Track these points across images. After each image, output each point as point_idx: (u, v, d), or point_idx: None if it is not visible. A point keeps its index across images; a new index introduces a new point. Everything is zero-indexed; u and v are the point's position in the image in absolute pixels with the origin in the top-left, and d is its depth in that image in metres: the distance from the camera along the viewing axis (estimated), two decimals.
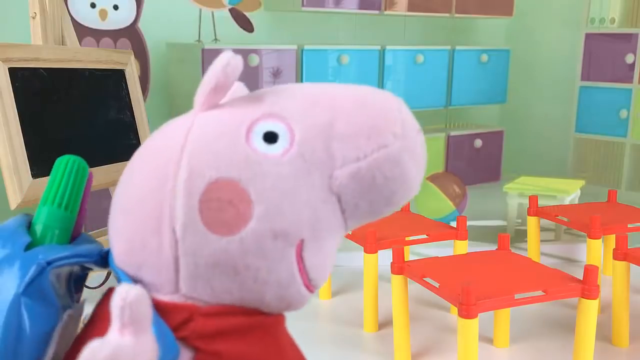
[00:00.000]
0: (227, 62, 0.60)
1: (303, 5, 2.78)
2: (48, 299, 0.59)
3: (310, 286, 0.60)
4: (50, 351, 0.58)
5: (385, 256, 1.79)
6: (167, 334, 0.55)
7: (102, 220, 2.13)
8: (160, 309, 0.57)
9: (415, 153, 0.61)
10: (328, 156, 0.59)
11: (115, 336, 0.49)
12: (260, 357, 0.58)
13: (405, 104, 0.64)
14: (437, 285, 1.40)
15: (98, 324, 0.61)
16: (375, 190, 0.59)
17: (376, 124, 0.60)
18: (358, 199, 0.59)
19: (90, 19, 2.45)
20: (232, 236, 0.56)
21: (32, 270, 0.59)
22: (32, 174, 1.60)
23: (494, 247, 1.73)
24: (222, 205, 0.56)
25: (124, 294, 0.49)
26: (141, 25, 2.57)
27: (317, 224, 0.58)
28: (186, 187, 0.56)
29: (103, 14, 2.47)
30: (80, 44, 2.06)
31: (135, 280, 0.61)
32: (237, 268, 0.56)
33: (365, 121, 0.60)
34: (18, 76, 1.61)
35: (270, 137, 0.58)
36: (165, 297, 0.58)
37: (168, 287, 0.58)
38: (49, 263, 0.60)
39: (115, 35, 2.51)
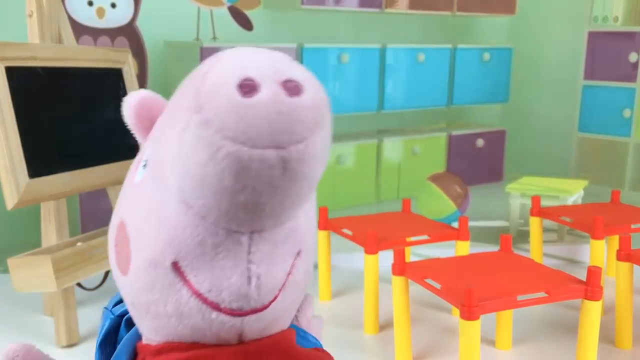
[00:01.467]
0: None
1: (303, 3, 2.76)
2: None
3: (225, 310, 0.54)
4: None
5: (386, 257, 1.77)
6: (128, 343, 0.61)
7: (101, 220, 2.12)
8: (137, 350, 0.62)
9: (223, 121, 0.47)
10: (161, 164, 0.53)
11: None
12: None
13: (226, 65, 0.50)
14: (438, 286, 1.39)
15: None
16: (204, 184, 0.49)
17: (177, 103, 0.51)
18: (200, 199, 0.50)
19: (88, 17, 2.43)
20: (128, 274, 0.57)
21: (107, 324, 0.67)
22: (29, 174, 1.58)
23: (496, 248, 1.71)
24: (119, 247, 0.58)
25: (9, 352, 0.60)
26: (139, 23, 2.55)
27: (181, 241, 0.52)
28: (109, 234, 0.61)
29: (100, 12, 2.46)
30: (77, 42, 2.05)
31: None
32: (143, 306, 0.57)
33: (173, 104, 0.53)
34: (15, 75, 1.60)
35: (145, 164, 0.57)
36: (143, 340, 0.62)
37: (140, 331, 0.62)
38: (120, 315, 0.67)
39: (112, 33, 2.50)
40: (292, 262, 0.56)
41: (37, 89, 1.69)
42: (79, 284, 1.66)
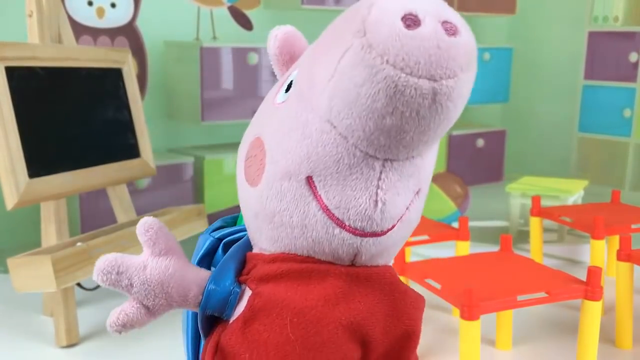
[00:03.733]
0: (274, 36, 0.67)
1: (303, 3, 2.76)
2: None
3: (347, 227, 0.57)
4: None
5: None
6: (229, 273, 0.64)
7: (101, 220, 2.12)
8: (247, 259, 0.66)
9: (386, 47, 0.50)
10: (312, 86, 0.56)
11: (145, 255, 0.64)
12: (290, 300, 0.60)
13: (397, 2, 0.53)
14: (438, 286, 1.39)
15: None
16: (355, 104, 0.52)
17: (337, 31, 0.55)
18: (348, 119, 0.53)
19: (88, 17, 2.43)
20: (258, 185, 0.61)
21: (206, 245, 0.71)
22: (28, 174, 1.58)
23: (496, 248, 1.71)
24: (251, 160, 0.62)
25: (145, 224, 0.65)
26: (139, 23, 2.55)
27: (319, 157, 0.56)
28: (240, 151, 0.66)
29: (100, 12, 2.46)
30: (77, 42, 2.05)
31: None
32: (268, 215, 0.61)
33: (330, 33, 0.56)
34: (14, 75, 1.60)
35: (289, 87, 0.61)
36: (254, 250, 0.67)
37: (253, 241, 0.67)
38: (219, 239, 0.71)
39: (112, 33, 2.50)
40: (411, 198, 0.60)
41: (37, 89, 1.69)
42: (78, 284, 1.66)
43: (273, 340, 0.59)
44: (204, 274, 0.65)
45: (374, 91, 0.51)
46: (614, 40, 3.22)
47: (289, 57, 0.67)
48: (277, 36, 0.67)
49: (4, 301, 1.90)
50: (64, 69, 1.76)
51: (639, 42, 3.14)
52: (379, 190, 0.56)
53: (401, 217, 0.59)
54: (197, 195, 2.54)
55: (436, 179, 2.63)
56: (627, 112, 3.18)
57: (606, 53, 3.25)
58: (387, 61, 0.50)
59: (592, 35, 3.28)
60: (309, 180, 0.57)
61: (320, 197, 0.57)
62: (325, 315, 0.59)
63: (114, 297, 1.93)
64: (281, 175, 0.58)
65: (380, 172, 0.56)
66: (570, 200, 2.51)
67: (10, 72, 1.59)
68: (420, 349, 1.70)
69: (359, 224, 0.57)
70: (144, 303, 0.63)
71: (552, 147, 3.67)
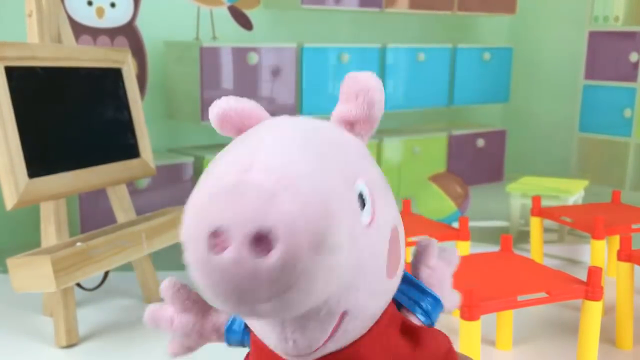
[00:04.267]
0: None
1: (303, 3, 2.76)
2: None
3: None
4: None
5: None
6: (239, 324, 0.69)
7: (101, 220, 2.12)
8: None
9: (197, 274, 0.47)
10: None
11: (171, 311, 0.69)
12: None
13: None
14: None
15: None
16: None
17: None
18: None
19: (87, 17, 2.43)
20: None
21: None
22: (28, 175, 1.58)
23: (496, 248, 1.71)
24: None
25: (167, 284, 0.69)
26: (139, 23, 2.55)
27: None
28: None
29: (100, 12, 2.45)
30: (76, 42, 2.05)
31: None
32: None
33: None
34: (14, 75, 1.60)
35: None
36: None
37: None
38: None
39: (112, 33, 2.49)
40: (335, 323, 0.55)
41: (36, 88, 1.68)
42: (78, 284, 1.66)
43: None
44: (223, 319, 0.70)
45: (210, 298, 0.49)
46: (614, 40, 3.22)
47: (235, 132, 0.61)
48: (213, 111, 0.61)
49: (3, 301, 1.89)
50: (63, 68, 1.76)
51: (639, 42, 3.14)
52: (286, 332, 0.54)
53: (330, 336, 0.55)
54: None
55: (436, 178, 2.62)
56: (627, 112, 3.18)
57: (606, 53, 3.25)
58: (202, 287, 0.47)
59: (593, 35, 3.28)
60: None
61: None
62: None
63: (114, 297, 1.93)
64: None
65: (282, 321, 0.54)
66: (570, 201, 2.51)
67: (10, 72, 1.59)
68: None
69: (282, 353, 0.57)
70: (183, 344, 0.72)
71: (552, 147, 3.67)
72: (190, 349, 0.72)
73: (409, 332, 0.64)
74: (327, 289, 0.49)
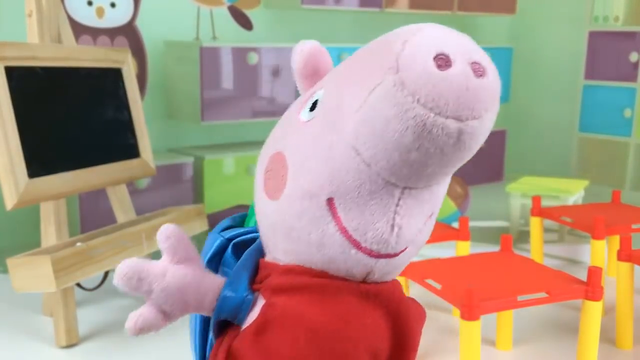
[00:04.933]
0: (300, 50, 0.68)
1: (303, 3, 2.76)
2: (231, 272, 0.68)
3: (363, 248, 0.60)
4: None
5: None
6: (242, 281, 0.66)
7: (101, 220, 2.12)
8: (260, 266, 0.68)
9: (417, 86, 0.52)
10: (340, 112, 0.58)
11: (165, 262, 0.64)
12: (304, 314, 0.61)
13: (432, 35, 0.55)
14: (439, 286, 1.38)
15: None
16: (383, 137, 0.54)
17: (368, 61, 0.57)
18: (373, 149, 0.55)
19: (87, 17, 2.43)
20: (278, 199, 0.63)
21: (215, 245, 0.72)
22: (28, 174, 1.58)
23: (496, 248, 1.71)
24: (272, 173, 0.64)
25: (166, 230, 0.65)
26: (139, 23, 2.55)
27: (342, 181, 0.58)
28: (260, 162, 0.67)
29: (100, 12, 2.45)
30: (76, 42, 2.04)
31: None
32: (285, 229, 0.63)
33: (361, 65, 0.58)
34: (14, 75, 1.60)
35: (314, 105, 0.63)
36: (267, 258, 0.68)
37: (266, 249, 0.68)
38: (229, 239, 0.72)
39: (112, 33, 2.49)
40: (425, 221, 0.62)
41: (36, 88, 1.68)
42: (78, 284, 1.66)
43: (285, 352, 0.60)
44: (219, 280, 0.67)
45: (402, 127, 0.53)
46: (614, 40, 3.22)
47: (313, 72, 0.68)
48: (302, 50, 0.68)
49: (3, 301, 1.89)
50: (63, 68, 1.76)
51: (639, 42, 3.14)
52: (396, 216, 0.59)
53: (413, 239, 0.62)
54: (197, 195, 2.54)
55: None
56: (627, 112, 3.17)
57: (606, 53, 3.25)
58: (418, 100, 0.52)
59: (593, 35, 3.28)
60: (330, 201, 0.59)
61: (340, 219, 0.59)
62: (338, 332, 0.61)
63: (114, 297, 1.93)
64: (302, 194, 0.60)
65: (399, 199, 0.59)
66: (570, 201, 2.51)
67: (10, 72, 1.59)
68: (420, 349, 1.70)
69: (375, 246, 0.60)
70: (162, 308, 0.64)
71: (552, 147, 3.67)
72: (165, 317, 0.64)
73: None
74: (480, 144, 0.58)
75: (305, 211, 0.60)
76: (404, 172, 0.56)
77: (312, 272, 0.63)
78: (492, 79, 0.55)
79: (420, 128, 0.53)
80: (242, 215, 0.79)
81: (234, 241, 0.72)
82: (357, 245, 0.60)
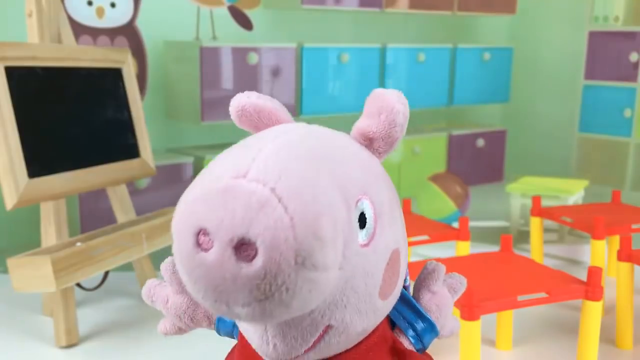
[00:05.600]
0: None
1: (303, 3, 2.76)
2: None
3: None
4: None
5: None
6: None
7: (101, 220, 2.12)
8: None
9: (183, 268, 0.49)
10: None
11: (168, 290, 0.70)
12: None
13: None
14: None
15: None
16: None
17: None
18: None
19: (87, 17, 2.43)
20: None
21: None
22: (28, 174, 1.58)
23: (496, 248, 1.71)
24: None
25: (167, 265, 0.70)
26: (139, 23, 2.55)
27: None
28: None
29: (100, 12, 2.45)
30: (76, 42, 2.04)
31: None
32: None
33: None
34: (14, 75, 1.60)
35: None
36: None
37: None
38: None
39: (112, 33, 2.49)
40: (318, 335, 0.55)
41: (36, 88, 1.68)
42: (78, 284, 1.66)
43: None
44: None
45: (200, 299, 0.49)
46: (614, 40, 3.22)
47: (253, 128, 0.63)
48: (232, 106, 0.64)
49: (3, 301, 1.89)
50: (63, 68, 1.76)
51: (639, 42, 3.14)
52: (268, 334, 0.55)
53: (315, 343, 0.55)
54: None
55: (436, 179, 2.62)
56: (627, 112, 3.17)
57: (606, 53, 3.25)
58: (187, 281, 0.48)
59: (593, 35, 3.28)
60: None
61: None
62: None
63: (114, 297, 1.93)
64: None
65: (265, 326, 0.55)
66: (570, 201, 2.51)
67: (10, 72, 1.59)
68: None
69: (261, 354, 0.57)
70: (175, 323, 0.73)
71: (553, 147, 3.67)
72: (181, 330, 0.73)
73: (399, 355, 0.63)
74: (309, 304, 0.48)
75: None
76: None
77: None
78: (265, 261, 0.44)
79: (206, 305, 0.48)
80: None
81: None
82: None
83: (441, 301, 0.72)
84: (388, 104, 0.57)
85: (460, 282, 0.75)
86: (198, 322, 0.72)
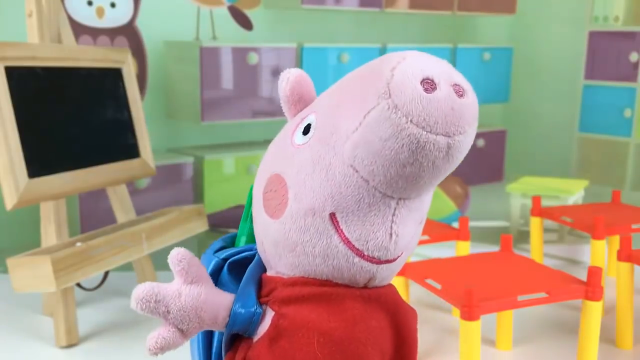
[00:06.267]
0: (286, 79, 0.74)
1: (303, 3, 2.76)
2: (229, 290, 0.73)
3: (365, 256, 0.66)
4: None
5: None
6: (251, 296, 0.71)
7: (101, 220, 2.12)
8: (263, 281, 0.73)
9: (409, 108, 0.59)
10: (336, 134, 0.64)
11: (178, 284, 0.69)
12: (315, 321, 0.67)
13: (420, 62, 0.61)
14: (438, 286, 1.38)
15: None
16: (380, 155, 0.61)
17: (359, 88, 0.63)
18: (371, 166, 0.62)
19: (87, 17, 2.43)
20: (280, 218, 0.68)
21: (211, 266, 0.76)
22: (28, 174, 1.58)
23: (496, 248, 1.71)
24: (272, 194, 0.69)
25: (178, 254, 0.70)
26: (139, 23, 2.55)
27: (342, 197, 0.64)
28: (257, 185, 0.73)
29: (100, 12, 2.46)
30: (76, 42, 2.04)
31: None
32: (290, 245, 0.68)
33: (353, 91, 0.64)
34: (14, 75, 1.60)
35: (307, 129, 0.68)
36: (269, 273, 0.73)
37: (268, 265, 0.74)
38: (224, 259, 0.77)
39: (112, 33, 2.50)
40: (416, 228, 0.68)
41: (36, 88, 1.68)
42: (78, 284, 1.66)
43: (300, 357, 0.66)
44: (229, 297, 0.72)
45: (398, 145, 0.60)
46: (614, 40, 3.22)
47: (298, 98, 0.74)
48: (288, 78, 0.73)
49: (3, 301, 1.89)
50: (63, 68, 1.76)
51: (639, 42, 3.14)
52: (393, 225, 0.65)
53: (406, 245, 0.68)
54: (197, 195, 2.54)
55: None
56: (627, 112, 3.17)
57: (606, 53, 3.25)
58: (411, 121, 0.59)
59: (593, 35, 3.28)
60: (332, 216, 0.65)
61: (342, 231, 0.65)
62: (347, 335, 0.67)
63: (114, 297, 1.93)
64: (305, 212, 0.66)
65: (395, 209, 0.65)
66: (570, 201, 2.51)
67: (10, 72, 1.59)
68: (420, 349, 1.70)
69: (376, 253, 0.66)
70: (179, 327, 0.69)
71: (553, 147, 3.67)
72: (182, 335, 0.69)
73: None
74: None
75: (309, 227, 0.66)
76: (399, 185, 0.62)
77: (316, 282, 0.68)
78: (472, 99, 0.62)
79: (415, 145, 0.59)
80: (232, 235, 0.85)
81: (229, 261, 0.77)
82: (360, 254, 0.66)
83: None
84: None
85: None
86: (216, 312, 0.69)
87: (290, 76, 0.73)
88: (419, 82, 0.59)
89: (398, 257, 0.68)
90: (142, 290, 0.69)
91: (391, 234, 0.65)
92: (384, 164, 0.61)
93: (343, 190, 0.64)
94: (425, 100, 0.59)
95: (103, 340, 1.66)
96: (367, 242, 0.65)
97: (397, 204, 0.64)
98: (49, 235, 1.66)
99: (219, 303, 0.70)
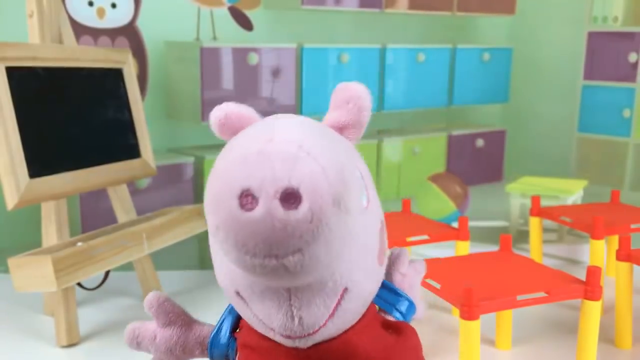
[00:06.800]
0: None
1: (303, 3, 2.76)
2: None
3: (277, 333, 0.64)
4: None
5: None
6: (225, 331, 0.72)
7: (102, 220, 2.12)
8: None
9: (227, 231, 0.52)
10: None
11: (154, 325, 0.74)
12: None
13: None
14: (438, 286, 1.39)
15: None
16: (228, 263, 0.60)
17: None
18: (233, 271, 0.62)
19: (88, 18, 2.43)
20: None
21: (224, 313, 0.76)
22: (29, 174, 1.58)
23: (495, 248, 1.71)
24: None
25: (147, 301, 0.74)
26: (139, 23, 2.55)
27: (238, 281, 0.63)
28: None
29: (101, 13, 2.46)
30: (77, 42, 2.05)
31: None
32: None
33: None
34: (15, 75, 1.60)
35: None
36: None
37: None
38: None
39: (113, 33, 2.50)
40: (337, 299, 0.60)
41: (37, 89, 1.69)
42: (79, 284, 1.66)
43: None
44: (206, 331, 0.75)
45: (233, 263, 0.54)
46: (613, 41, 3.23)
47: (231, 132, 0.65)
48: (214, 123, 0.66)
49: (4, 300, 1.90)
50: (64, 69, 1.76)
51: (639, 42, 3.14)
52: (293, 308, 0.60)
53: (330, 315, 0.61)
54: (197, 195, 2.54)
55: (436, 179, 2.63)
56: (626, 112, 3.18)
57: (606, 53, 3.25)
58: (232, 245, 0.51)
59: (592, 36, 3.28)
60: (238, 294, 0.63)
61: (251, 308, 0.62)
62: None
63: (115, 297, 1.94)
64: (223, 286, 0.65)
65: (290, 295, 0.59)
66: (569, 200, 2.52)
67: (11, 72, 1.59)
68: None
69: (284, 333, 0.61)
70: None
71: (552, 147, 3.67)
72: None
73: (391, 327, 0.69)
74: (343, 246, 0.54)
75: (232, 298, 0.65)
76: (271, 283, 0.57)
77: (260, 335, 0.66)
78: (310, 204, 0.50)
79: (244, 266, 0.53)
80: None
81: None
82: (272, 329, 0.62)
83: (411, 281, 0.79)
84: (355, 93, 0.63)
85: (422, 265, 0.83)
86: (190, 351, 0.75)
87: (215, 120, 0.65)
88: (235, 198, 0.50)
89: (318, 329, 0.61)
90: (126, 331, 0.76)
91: (293, 317, 0.60)
92: (237, 269, 0.57)
93: (237, 274, 0.60)
94: (242, 222, 0.50)
95: (104, 340, 1.66)
96: (272, 322, 0.61)
97: (289, 291, 0.59)
98: (50, 235, 1.66)
99: (193, 341, 0.74)
